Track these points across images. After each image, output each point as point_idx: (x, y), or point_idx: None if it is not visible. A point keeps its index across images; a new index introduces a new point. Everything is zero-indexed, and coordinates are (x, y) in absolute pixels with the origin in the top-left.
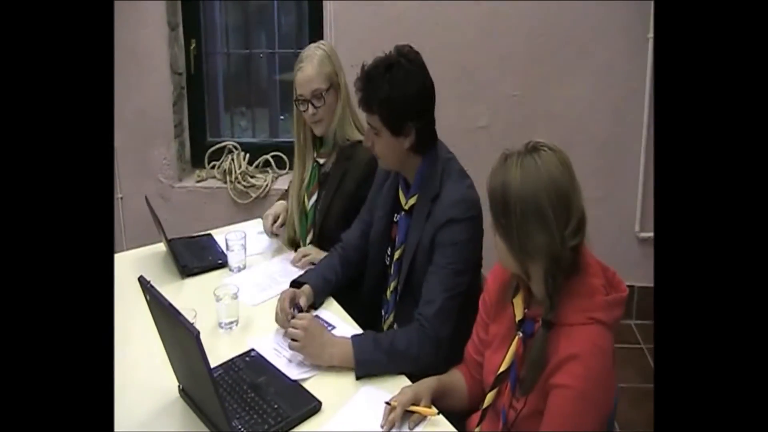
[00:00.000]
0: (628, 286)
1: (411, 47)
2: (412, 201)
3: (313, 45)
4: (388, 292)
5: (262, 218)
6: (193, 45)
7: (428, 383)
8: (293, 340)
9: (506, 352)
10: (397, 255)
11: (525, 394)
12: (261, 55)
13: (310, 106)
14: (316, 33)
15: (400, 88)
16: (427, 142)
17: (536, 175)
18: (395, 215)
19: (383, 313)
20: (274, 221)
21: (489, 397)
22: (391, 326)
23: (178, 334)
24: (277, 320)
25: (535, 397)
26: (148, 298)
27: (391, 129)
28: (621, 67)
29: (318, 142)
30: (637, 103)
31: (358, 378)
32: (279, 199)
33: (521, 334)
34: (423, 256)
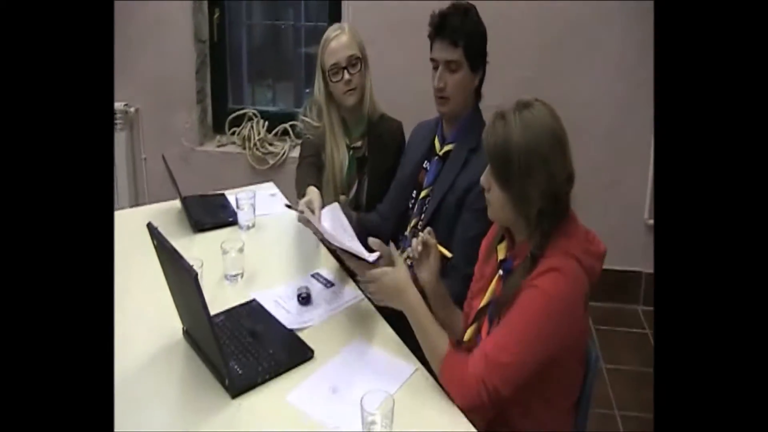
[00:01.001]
0: (636, 272)
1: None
2: (448, 148)
3: (336, 24)
4: (408, 229)
5: (297, 208)
6: (217, 14)
7: (437, 279)
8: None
9: (487, 291)
10: (422, 194)
11: (498, 315)
12: (283, 26)
13: (346, 72)
14: (335, 8)
15: (478, 26)
16: (481, 84)
17: (535, 126)
18: (425, 162)
19: (401, 251)
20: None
21: (469, 332)
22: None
23: (180, 276)
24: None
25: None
26: (155, 243)
27: (471, 63)
28: (631, 55)
29: (344, 124)
30: (648, 91)
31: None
32: (302, 186)
33: (501, 272)
34: (453, 198)
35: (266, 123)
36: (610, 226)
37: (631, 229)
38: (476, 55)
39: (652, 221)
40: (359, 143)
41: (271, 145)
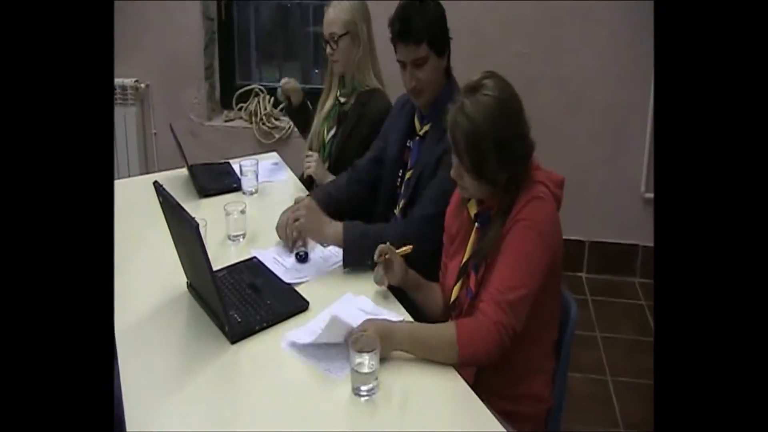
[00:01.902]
0: (633, 245)
1: None
2: (426, 128)
3: None
4: (397, 210)
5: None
6: None
7: (410, 271)
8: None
9: (466, 248)
10: (408, 176)
11: (482, 264)
12: (289, 5)
13: (328, 46)
14: None
15: (436, 12)
16: (449, 61)
17: (487, 105)
18: (408, 141)
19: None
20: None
21: (455, 290)
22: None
23: (183, 229)
24: (277, 229)
25: (494, 264)
26: (160, 199)
27: (437, 50)
28: (629, 30)
29: (341, 81)
30: (645, 65)
31: (345, 266)
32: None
33: (478, 225)
34: (428, 172)
35: (272, 99)
36: (607, 200)
37: (628, 203)
38: (440, 42)
39: (648, 195)
40: (344, 99)
41: (277, 119)
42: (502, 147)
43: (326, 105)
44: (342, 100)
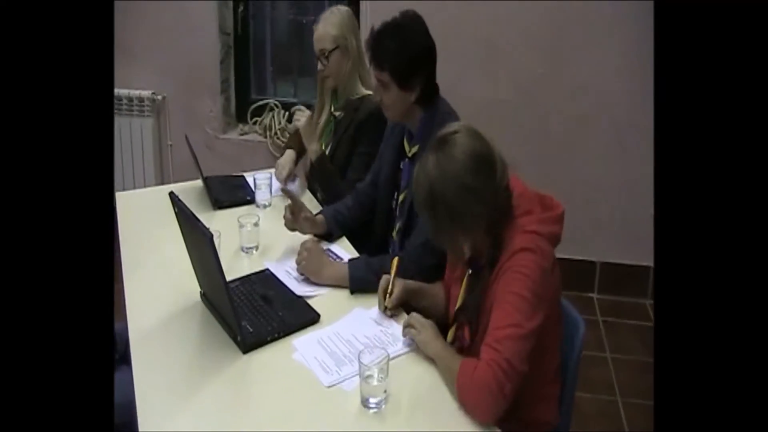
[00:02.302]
0: (644, 266)
1: (415, 12)
2: (414, 149)
3: (332, 8)
4: (394, 233)
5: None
6: (241, 8)
7: (409, 282)
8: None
9: (461, 289)
10: (401, 198)
11: (477, 318)
12: (305, 21)
13: (319, 62)
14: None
15: (407, 46)
16: (430, 95)
17: (452, 163)
18: (401, 162)
19: (391, 253)
20: (289, 174)
21: (450, 334)
22: None
23: (197, 239)
24: (285, 224)
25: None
26: (176, 210)
27: (399, 83)
28: (644, 47)
29: (334, 96)
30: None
31: (351, 292)
32: (286, 147)
33: (470, 271)
34: None
35: (287, 113)
36: (618, 220)
37: (639, 224)
38: (405, 75)
39: None
40: (339, 112)
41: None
42: (463, 205)
43: (320, 122)
44: (336, 114)
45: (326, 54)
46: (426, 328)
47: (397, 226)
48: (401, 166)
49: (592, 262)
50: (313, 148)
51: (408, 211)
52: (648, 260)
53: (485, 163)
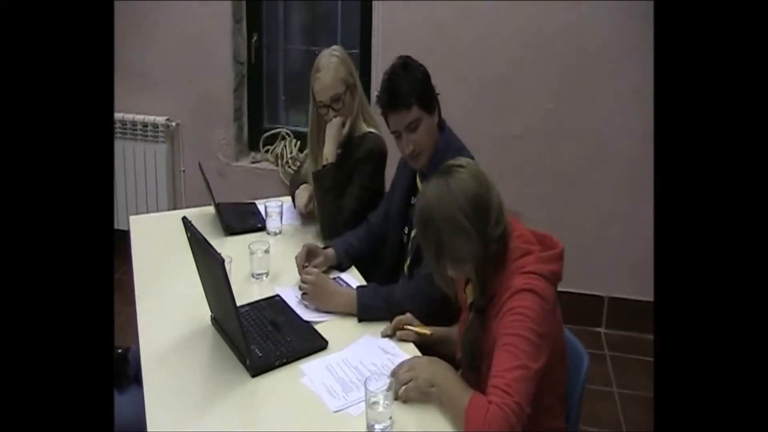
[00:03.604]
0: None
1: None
2: None
3: (326, 52)
4: (405, 267)
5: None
6: (255, 38)
7: (437, 329)
8: (303, 293)
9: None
10: (413, 234)
11: (479, 366)
12: (317, 52)
13: (330, 110)
14: (366, 39)
15: (420, 74)
16: (440, 115)
17: (448, 196)
18: (412, 198)
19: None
20: (310, 200)
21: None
22: None
23: (209, 264)
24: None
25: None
26: (188, 235)
27: (427, 108)
28: (650, 87)
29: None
30: None
31: (360, 320)
32: (294, 180)
33: (471, 314)
34: None
35: (298, 142)
36: (627, 255)
37: (648, 259)
38: (427, 100)
39: None
40: (339, 150)
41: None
42: (454, 238)
43: (318, 161)
44: (338, 150)
45: (339, 98)
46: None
47: (408, 260)
48: (412, 202)
49: (600, 297)
50: (329, 150)
51: (416, 246)
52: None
53: (480, 208)
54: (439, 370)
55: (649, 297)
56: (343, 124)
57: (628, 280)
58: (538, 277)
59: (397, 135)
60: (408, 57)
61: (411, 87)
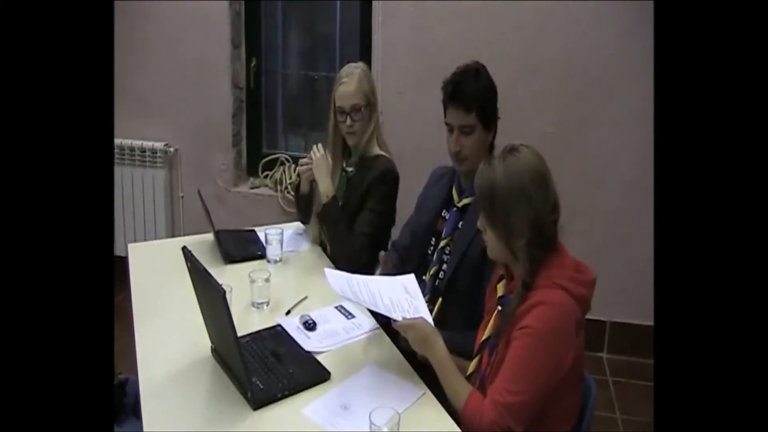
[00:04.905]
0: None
1: (477, 61)
2: (466, 200)
3: (352, 65)
4: (428, 276)
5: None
6: (254, 63)
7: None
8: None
9: (487, 326)
10: (442, 244)
11: (496, 345)
12: (316, 77)
13: (348, 118)
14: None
15: (489, 88)
16: (494, 138)
17: (517, 166)
18: (444, 211)
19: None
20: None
21: (472, 365)
22: None
23: (209, 295)
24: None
25: (505, 350)
26: (188, 265)
27: (484, 123)
28: (650, 110)
29: (347, 152)
30: None
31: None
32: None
33: (500, 308)
34: (477, 249)
35: (297, 168)
36: (629, 280)
37: (649, 284)
38: (489, 116)
39: None
40: (351, 168)
41: None
42: (516, 206)
43: (334, 181)
44: (349, 169)
45: (360, 109)
46: (423, 327)
47: (432, 270)
48: (443, 215)
49: (603, 322)
50: (326, 186)
51: (457, 261)
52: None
53: (543, 185)
54: (433, 351)
55: (651, 321)
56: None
57: (629, 305)
58: (566, 296)
59: (450, 129)
60: (482, 66)
61: (477, 93)
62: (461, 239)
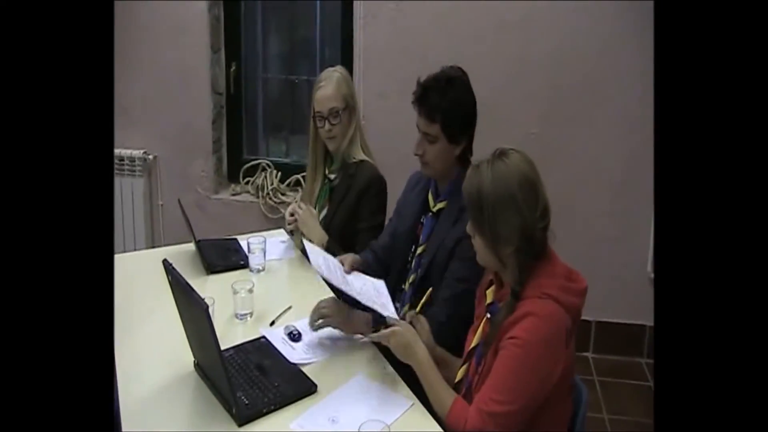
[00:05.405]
0: (640, 325)
1: (460, 68)
2: (440, 205)
3: (330, 68)
4: (407, 284)
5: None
6: (234, 68)
7: (438, 349)
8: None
9: (476, 333)
10: (419, 251)
11: (484, 354)
12: (297, 81)
13: (326, 122)
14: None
15: (459, 99)
16: (470, 152)
17: (505, 171)
18: (422, 216)
19: (400, 304)
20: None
21: (460, 372)
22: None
23: (192, 310)
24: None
25: (492, 359)
26: (169, 278)
27: (449, 137)
28: (637, 111)
29: (329, 159)
30: (653, 147)
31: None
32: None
33: (489, 315)
34: (444, 252)
35: (279, 173)
36: (614, 280)
37: (635, 283)
38: (455, 129)
39: None
40: (334, 175)
41: (283, 194)
42: (503, 212)
43: (315, 189)
44: (331, 176)
45: (338, 113)
46: (404, 334)
47: (411, 278)
48: (422, 220)
49: (588, 321)
50: (319, 237)
51: (427, 264)
52: (644, 319)
53: (531, 190)
54: (416, 358)
55: (637, 320)
56: (309, 206)
57: (615, 305)
58: (556, 305)
59: (418, 129)
60: (461, 75)
61: (441, 105)
62: (433, 243)
